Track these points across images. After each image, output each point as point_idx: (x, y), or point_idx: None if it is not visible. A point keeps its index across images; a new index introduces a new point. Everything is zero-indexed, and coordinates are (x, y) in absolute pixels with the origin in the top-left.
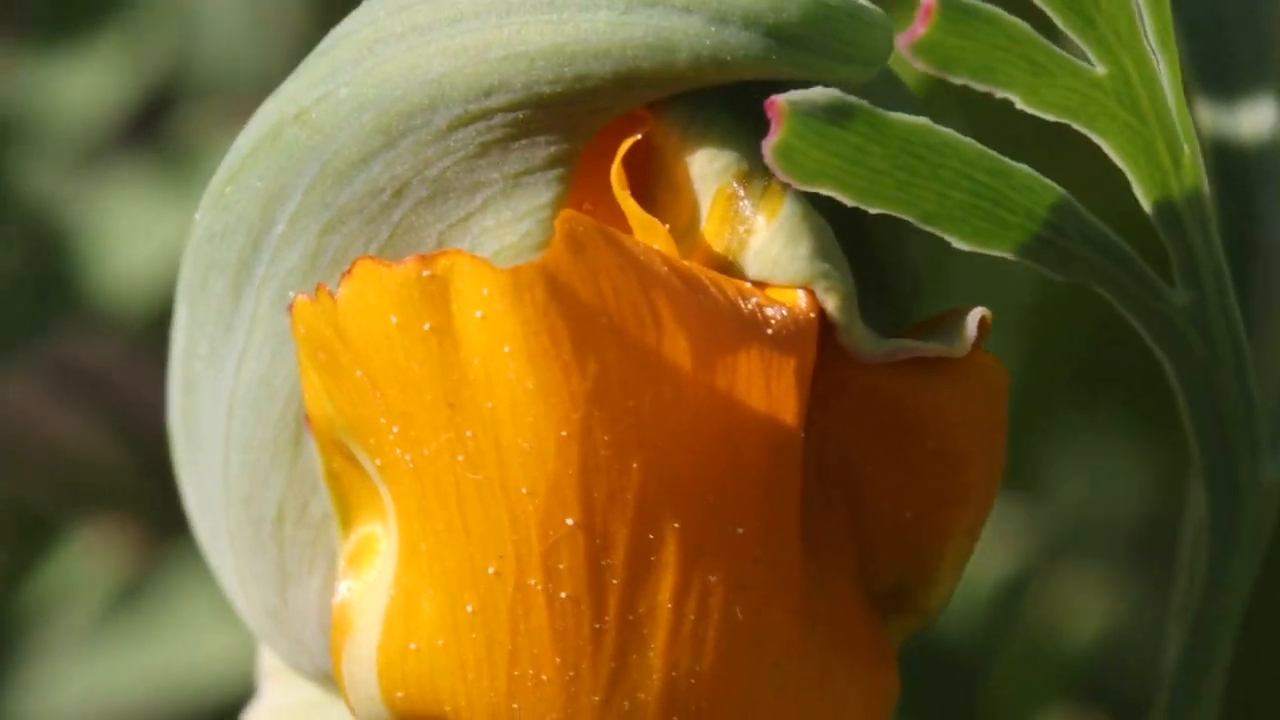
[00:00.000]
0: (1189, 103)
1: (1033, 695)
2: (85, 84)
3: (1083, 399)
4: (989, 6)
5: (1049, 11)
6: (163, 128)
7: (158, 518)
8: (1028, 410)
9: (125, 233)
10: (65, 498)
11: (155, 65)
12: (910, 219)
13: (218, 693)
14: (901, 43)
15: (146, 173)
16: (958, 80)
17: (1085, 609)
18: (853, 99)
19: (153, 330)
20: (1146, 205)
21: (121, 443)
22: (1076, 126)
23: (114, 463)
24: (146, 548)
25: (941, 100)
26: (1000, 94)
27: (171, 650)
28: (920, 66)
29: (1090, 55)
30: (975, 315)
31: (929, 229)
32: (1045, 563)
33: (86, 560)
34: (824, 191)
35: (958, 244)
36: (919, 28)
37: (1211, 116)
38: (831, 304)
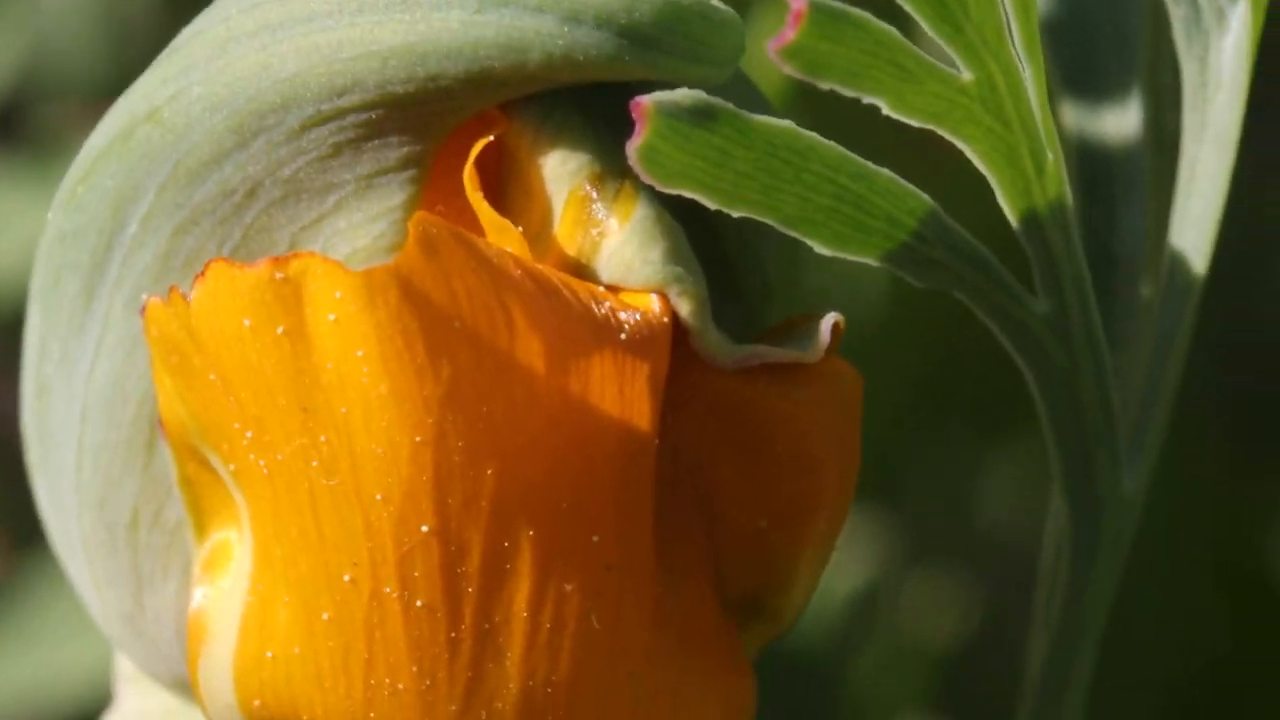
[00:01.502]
0: (1054, 109)
1: (890, 702)
2: None
3: (934, 405)
4: (858, 11)
5: (917, 16)
6: (15, 128)
7: (14, 526)
8: (880, 417)
9: None
10: None
11: (6, 64)
12: (772, 223)
13: (76, 701)
14: (770, 48)
15: (2, 171)
16: (825, 85)
17: (940, 616)
18: (717, 101)
19: (7, 334)
20: (1009, 212)
21: None
22: (942, 132)
23: None
24: (2, 556)
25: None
26: (867, 99)
27: (29, 658)
28: (788, 71)
29: (957, 61)
30: (828, 321)
31: (791, 233)
32: (899, 570)
33: None
34: (686, 194)
35: (820, 249)
36: (788, 32)
37: (1077, 124)
38: (685, 309)
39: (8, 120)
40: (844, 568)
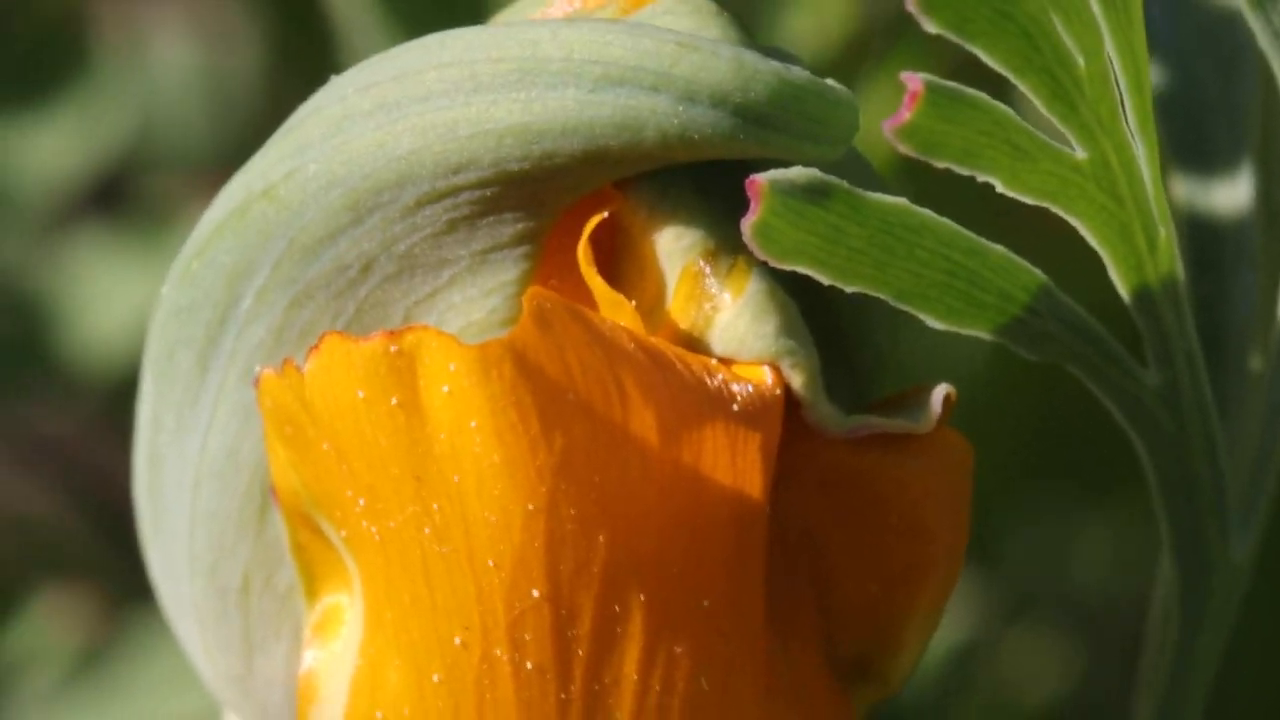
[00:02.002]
0: (1165, 181)
1: None
2: (46, 151)
3: (1035, 467)
4: (974, 91)
5: (1032, 96)
6: (123, 200)
7: (119, 584)
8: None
9: (90, 300)
10: (27, 565)
11: (116, 134)
12: (886, 298)
13: None
14: (886, 127)
15: (111, 241)
16: (941, 164)
17: (1038, 677)
18: (832, 179)
19: (116, 398)
20: (1121, 288)
21: (83, 510)
22: (1056, 210)
23: (76, 530)
24: (108, 615)
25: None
26: (982, 178)
27: (133, 716)
28: (905, 150)
29: (1071, 139)
30: (940, 392)
31: (904, 307)
32: (997, 629)
33: (48, 628)
34: (801, 270)
35: (933, 323)
36: (905, 112)
37: (1187, 196)
38: (797, 380)
39: (116, 192)
40: (943, 626)
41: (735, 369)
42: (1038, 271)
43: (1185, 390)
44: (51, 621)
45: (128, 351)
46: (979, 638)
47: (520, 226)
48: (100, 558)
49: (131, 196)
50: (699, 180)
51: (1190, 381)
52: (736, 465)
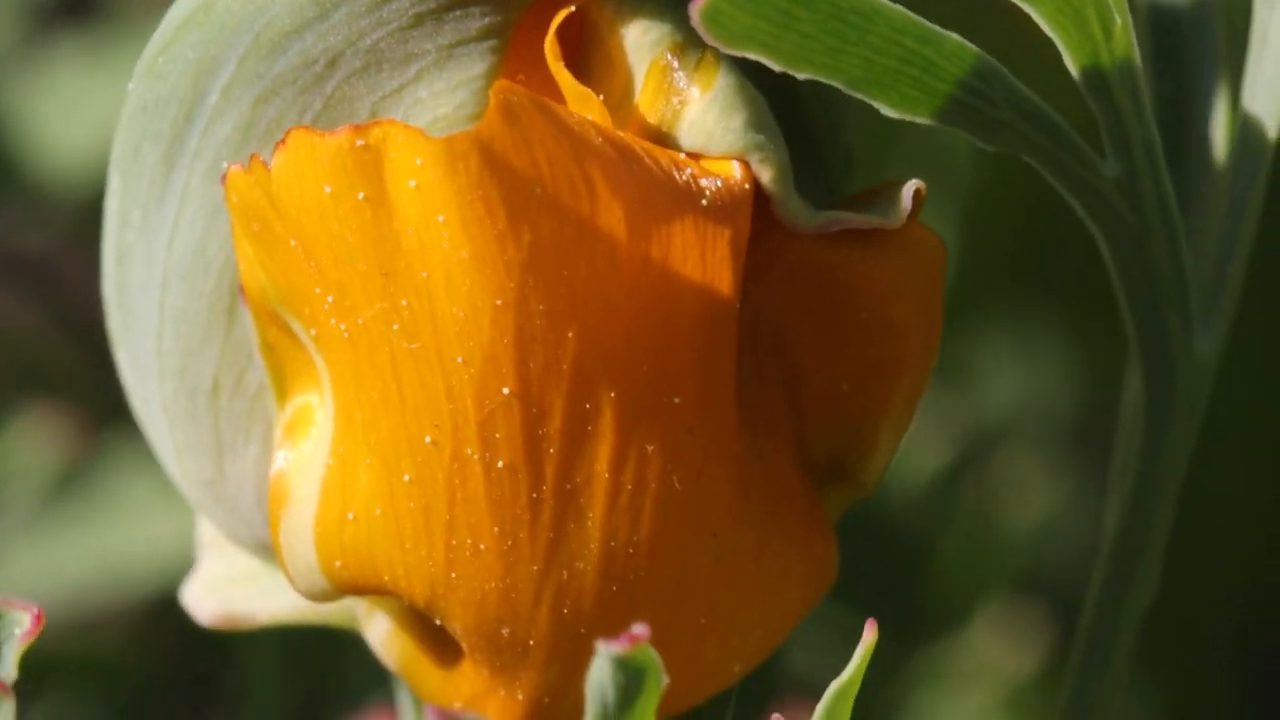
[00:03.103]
0: None
1: (975, 582)
2: None
3: (1016, 284)
4: None
5: None
6: (95, 7)
7: (98, 402)
8: (961, 296)
9: (60, 113)
10: (6, 383)
11: None
12: (837, 84)
13: (160, 569)
14: None
15: (81, 53)
16: None
17: (1024, 496)
18: None
19: (90, 213)
20: (1076, 74)
21: (62, 327)
22: None
23: (55, 347)
24: (87, 432)
25: None
26: None
27: (114, 532)
28: None
29: None
30: (910, 187)
31: (856, 95)
32: (982, 451)
33: (27, 445)
34: (751, 56)
35: (886, 111)
36: None
37: None
38: (766, 175)
39: (85, 2)
40: (928, 442)
41: (704, 164)
42: (992, 59)
43: (1145, 180)
44: (30, 440)
45: (101, 164)
46: (963, 460)
47: (487, 20)
48: (80, 376)
49: (101, 6)
50: None
51: (1150, 172)
52: (705, 260)
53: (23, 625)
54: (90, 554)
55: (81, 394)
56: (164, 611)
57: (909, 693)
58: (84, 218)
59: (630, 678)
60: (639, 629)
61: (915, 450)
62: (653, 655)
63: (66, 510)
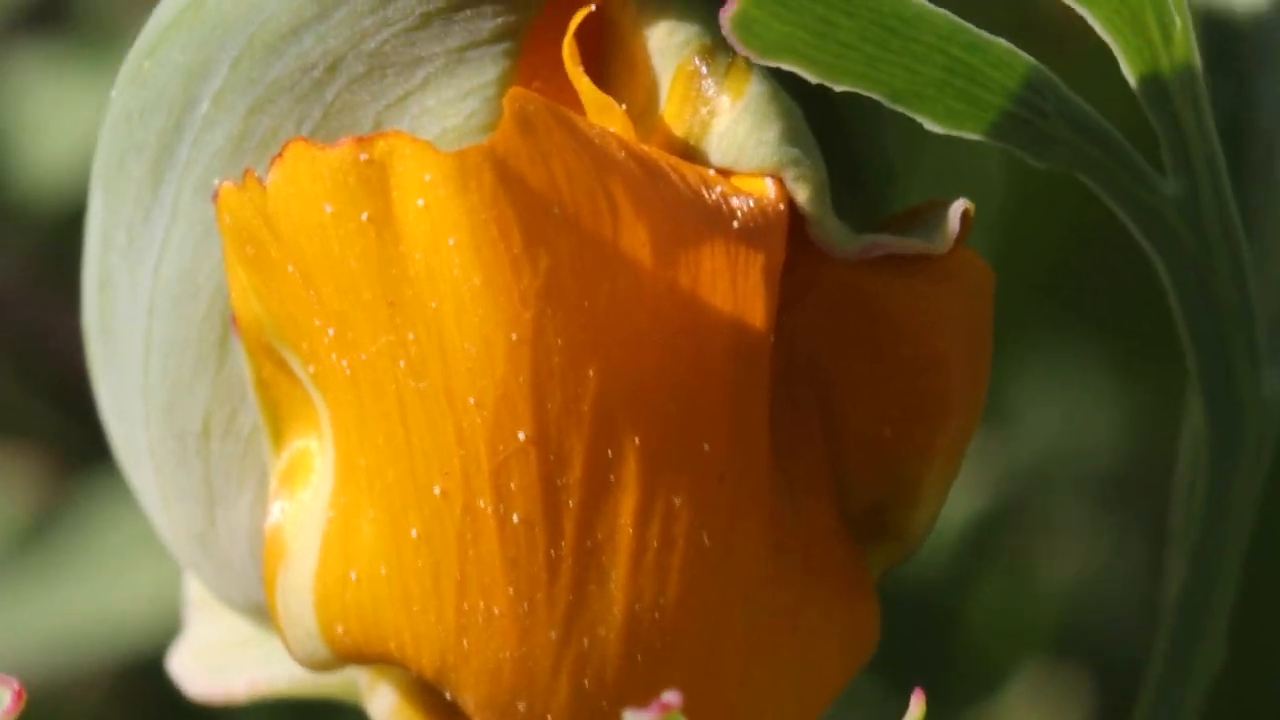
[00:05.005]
0: None
1: (1011, 641)
2: None
3: (1053, 314)
4: None
5: None
6: (65, 12)
7: (66, 446)
8: (999, 322)
9: (26, 126)
10: None
11: None
12: (879, 97)
13: (142, 630)
14: None
15: (51, 62)
16: None
17: (1063, 547)
18: None
19: (58, 237)
20: (1134, 82)
21: (24, 366)
22: None
23: (15, 388)
24: (55, 478)
25: None
26: None
27: (89, 586)
28: None
29: None
30: (957, 208)
31: (899, 108)
32: (1018, 497)
33: None
34: (786, 66)
35: (930, 125)
36: None
37: None
38: (802, 194)
39: (52, 8)
40: (961, 490)
41: (735, 180)
42: (1044, 68)
43: (1207, 200)
44: None
45: (71, 181)
46: (998, 507)
47: (500, 21)
48: (45, 419)
49: (71, 11)
50: None
51: (1212, 190)
52: (737, 289)
53: (2, 703)
54: (61, 612)
55: (48, 437)
56: (143, 676)
57: None
58: (51, 242)
59: None
60: (670, 696)
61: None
62: None
63: (34, 564)
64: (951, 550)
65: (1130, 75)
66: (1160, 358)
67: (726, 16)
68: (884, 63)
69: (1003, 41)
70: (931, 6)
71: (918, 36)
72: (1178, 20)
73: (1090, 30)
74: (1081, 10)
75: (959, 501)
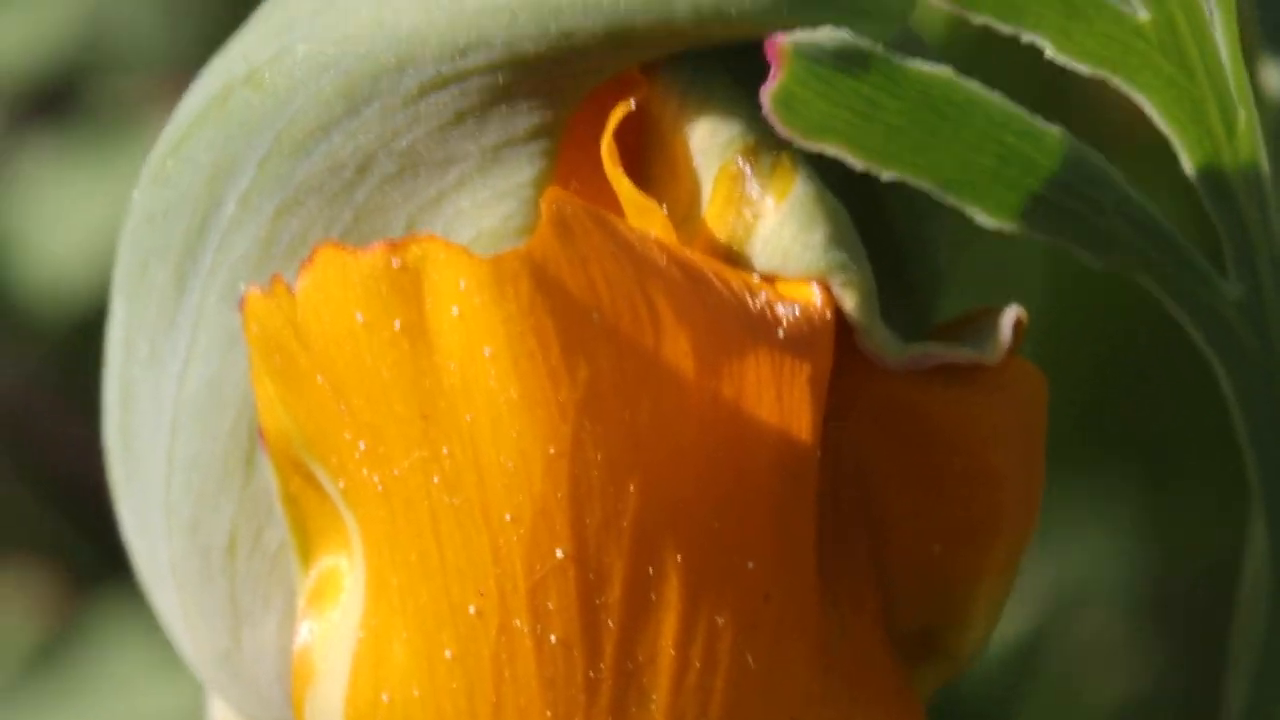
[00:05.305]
0: (1253, 67)
1: None
2: None
3: (1094, 426)
4: None
5: None
6: (76, 104)
7: (79, 563)
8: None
9: (35, 226)
10: None
11: (63, 32)
12: (928, 186)
13: None
14: None
15: (61, 156)
16: (979, 19)
17: (1107, 671)
18: (865, 43)
19: (70, 344)
20: (1194, 177)
21: (35, 480)
22: (1116, 82)
23: (27, 503)
24: (68, 597)
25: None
26: (1028, 38)
27: (102, 710)
28: (937, 3)
29: None
30: (1010, 316)
31: (949, 199)
32: (1065, 617)
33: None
34: (830, 150)
35: (982, 219)
36: None
37: (1276, 82)
38: (849, 301)
39: (64, 99)
40: (1007, 608)
41: (780, 287)
42: (1102, 158)
43: (1271, 302)
44: (3, 609)
45: (83, 287)
46: (1043, 626)
47: (536, 118)
48: (57, 535)
49: (82, 103)
50: (736, 65)
51: (1276, 291)
52: (783, 401)
53: None
54: None
55: (59, 556)
56: None
57: None
58: (63, 348)
59: None
60: None
61: None
62: None
63: (46, 686)
64: (997, 669)
65: (1190, 167)
66: (1205, 476)
67: (768, 93)
68: (932, 149)
69: (1058, 128)
70: (983, 89)
71: (968, 121)
72: (1242, 112)
73: (1146, 120)
74: (1139, 100)
75: (1003, 620)
